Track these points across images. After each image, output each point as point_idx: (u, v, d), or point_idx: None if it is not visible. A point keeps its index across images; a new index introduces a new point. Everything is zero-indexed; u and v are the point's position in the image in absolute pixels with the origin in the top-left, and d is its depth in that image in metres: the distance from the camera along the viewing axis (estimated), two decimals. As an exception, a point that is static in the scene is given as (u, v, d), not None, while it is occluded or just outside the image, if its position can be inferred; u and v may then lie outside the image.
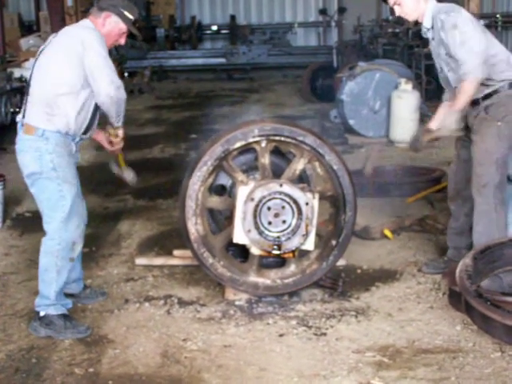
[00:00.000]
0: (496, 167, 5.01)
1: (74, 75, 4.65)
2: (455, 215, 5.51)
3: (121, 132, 5.06)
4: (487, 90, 5.04)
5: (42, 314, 4.75)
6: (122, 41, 4.96)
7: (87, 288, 5.31)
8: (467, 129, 5.26)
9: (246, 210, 4.92)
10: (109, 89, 4.66)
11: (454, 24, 4.90)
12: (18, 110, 10.43)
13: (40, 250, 4.80)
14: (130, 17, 4.86)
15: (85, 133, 4.85)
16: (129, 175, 5.41)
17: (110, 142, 5.10)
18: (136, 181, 5.45)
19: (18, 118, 4.84)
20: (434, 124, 5.10)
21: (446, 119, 5.03)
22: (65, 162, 4.72)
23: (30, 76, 4.83)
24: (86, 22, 4.88)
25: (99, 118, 4.93)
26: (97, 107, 4.81)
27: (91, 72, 4.64)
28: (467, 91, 4.92)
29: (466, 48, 4.87)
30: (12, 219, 7.34)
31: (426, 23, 5.13)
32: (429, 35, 5.18)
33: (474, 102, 5.09)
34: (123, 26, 4.86)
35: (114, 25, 4.84)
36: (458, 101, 4.97)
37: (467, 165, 5.20)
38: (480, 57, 4.88)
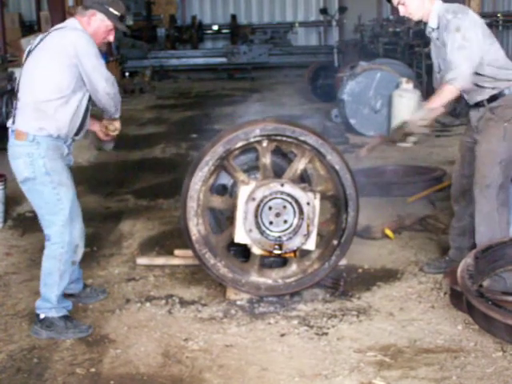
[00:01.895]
0: (500, 168, 4.99)
1: (63, 79, 4.61)
2: (458, 216, 5.50)
3: (118, 124, 5.04)
4: (493, 92, 5.01)
5: (42, 316, 4.74)
6: (111, 38, 4.93)
7: (87, 287, 5.31)
8: (469, 130, 5.26)
9: (248, 210, 4.91)
10: (106, 87, 4.68)
11: (458, 27, 4.88)
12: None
13: (43, 253, 4.79)
14: (116, 13, 4.80)
15: (76, 134, 4.82)
16: (108, 145, 5.33)
17: (107, 135, 5.09)
18: (111, 148, 5.40)
19: (9, 123, 4.78)
20: (411, 118, 5.12)
21: (417, 116, 5.04)
22: (58, 166, 4.70)
23: (19, 80, 4.80)
24: (73, 22, 4.82)
25: (93, 109, 4.92)
26: (88, 108, 4.79)
27: (87, 75, 4.63)
28: (446, 96, 4.93)
29: (464, 54, 4.86)
30: (13, 219, 7.34)
31: (432, 23, 5.10)
32: (433, 35, 5.16)
33: (478, 104, 5.07)
34: (109, 23, 4.81)
35: (99, 22, 4.79)
36: (433, 101, 4.97)
37: (472, 167, 5.17)
38: (473, 67, 4.88)
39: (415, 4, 5.08)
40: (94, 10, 4.77)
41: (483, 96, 5.03)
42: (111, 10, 4.79)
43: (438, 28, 5.08)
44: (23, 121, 4.66)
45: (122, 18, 4.86)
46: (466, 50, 4.86)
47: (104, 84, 4.66)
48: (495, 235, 5.03)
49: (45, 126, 4.61)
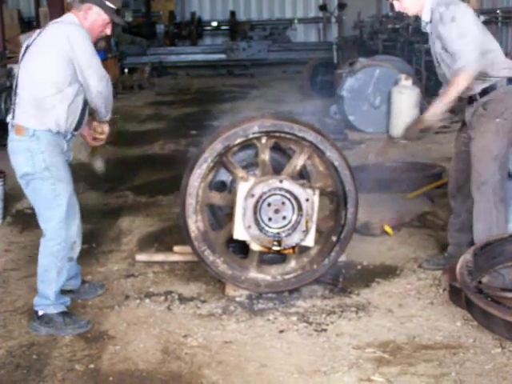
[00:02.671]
0: (495, 164, 4.99)
1: (60, 74, 4.60)
2: (456, 212, 5.50)
3: (106, 128, 5.02)
4: (484, 86, 5.01)
5: (40, 313, 4.75)
6: (108, 31, 4.92)
7: (85, 283, 5.31)
8: (465, 125, 5.26)
9: (246, 206, 4.91)
10: (100, 85, 4.66)
11: (453, 17, 4.86)
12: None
13: (39, 250, 4.79)
14: (112, 6, 4.78)
15: (76, 129, 4.81)
16: (96, 164, 5.33)
17: (95, 138, 5.06)
18: (103, 170, 5.38)
19: (8, 118, 4.78)
20: (427, 114, 5.10)
21: (433, 110, 5.01)
22: (57, 161, 4.69)
23: (17, 75, 4.79)
24: (69, 17, 4.80)
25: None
26: (86, 102, 4.77)
27: (81, 71, 4.61)
28: (459, 85, 4.87)
29: (464, 41, 4.83)
30: (12, 215, 7.34)
31: (425, 17, 5.10)
32: (427, 29, 5.16)
33: (471, 99, 5.08)
34: (106, 17, 4.79)
35: (96, 16, 4.77)
36: (447, 94, 4.94)
37: (467, 162, 5.17)
38: (478, 50, 4.84)
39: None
40: (90, 3, 4.75)
41: (475, 90, 5.02)
42: (107, 3, 4.76)
43: (430, 22, 5.07)
44: (23, 116, 4.66)
45: (118, 12, 4.85)
46: (466, 37, 4.83)
47: (96, 82, 4.64)
48: (493, 232, 5.02)
49: (44, 120, 4.61)
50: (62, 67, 4.59)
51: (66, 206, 4.69)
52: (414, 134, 5.20)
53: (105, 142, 5.15)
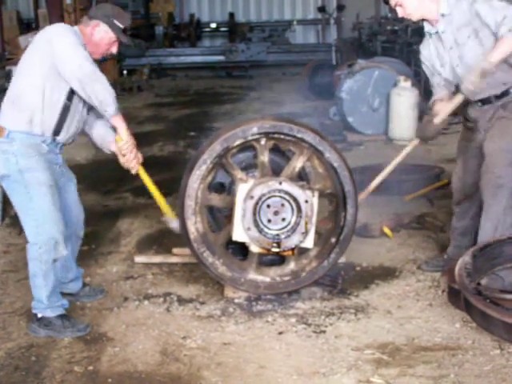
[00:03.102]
0: None
1: (36, 71, 4.53)
2: (459, 216, 5.43)
3: (124, 133, 4.78)
4: (503, 88, 4.89)
5: (39, 315, 4.74)
6: (114, 50, 4.86)
7: (86, 286, 5.30)
8: (477, 132, 5.09)
9: (246, 208, 4.91)
10: (77, 72, 4.47)
11: None
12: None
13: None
14: (120, 25, 4.74)
15: (55, 134, 4.67)
16: (171, 223, 5.26)
17: (123, 155, 4.88)
18: (177, 228, 5.19)
19: None
20: (443, 109, 4.99)
21: (469, 76, 4.73)
22: (33, 164, 4.59)
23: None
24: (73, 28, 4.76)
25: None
26: (67, 106, 4.65)
27: (60, 62, 4.49)
28: (507, 47, 4.60)
29: (509, 9, 4.61)
30: (11, 217, 7.33)
31: (444, 9, 4.87)
32: (440, 27, 4.94)
33: (484, 101, 4.95)
34: (113, 35, 4.75)
35: (103, 34, 4.73)
36: (494, 52, 4.64)
37: (477, 171, 5.05)
38: None
39: (414, 4, 4.92)
40: (98, 20, 4.72)
41: (490, 91, 4.89)
42: (115, 22, 4.72)
43: (449, 14, 4.87)
44: (3, 116, 4.65)
45: (125, 31, 4.79)
46: (509, 7, 4.64)
47: (72, 67, 4.47)
48: (498, 234, 4.98)
49: (18, 121, 4.57)
50: (41, 64, 4.54)
51: (39, 210, 4.59)
52: (434, 131, 5.10)
53: (135, 158, 4.92)
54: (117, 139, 4.82)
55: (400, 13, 5.03)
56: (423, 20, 5.05)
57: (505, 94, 4.93)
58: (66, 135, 4.76)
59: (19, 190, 4.62)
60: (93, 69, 4.53)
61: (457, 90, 4.97)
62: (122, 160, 4.93)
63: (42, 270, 4.67)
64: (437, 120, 5.07)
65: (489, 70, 4.67)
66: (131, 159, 4.90)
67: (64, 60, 4.50)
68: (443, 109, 5.04)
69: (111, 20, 4.73)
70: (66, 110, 4.67)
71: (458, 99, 4.90)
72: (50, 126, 4.65)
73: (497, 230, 4.96)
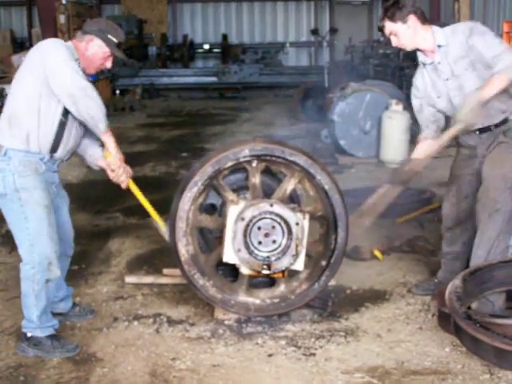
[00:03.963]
0: (510, 193, 4.87)
1: (30, 88, 4.53)
2: (450, 241, 5.44)
3: (112, 148, 4.80)
4: (502, 117, 4.91)
5: (28, 334, 4.72)
6: (108, 64, 4.86)
7: (76, 306, 5.28)
8: (473, 159, 5.09)
9: (236, 230, 4.91)
10: (70, 87, 4.46)
11: (485, 30, 4.74)
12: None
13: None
14: (114, 40, 4.75)
15: (53, 151, 4.67)
16: (160, 229, 5.35)
17: (112, 170, 4.89)
18: (166, 234, 5.28)
19: None
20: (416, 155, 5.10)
21: (466, 109, 4.70)
22: (30, 183, 4.58)
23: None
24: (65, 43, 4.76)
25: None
26: (63, 122, 4.64)
27: (51, 76, 4.48)
28: (500, 83, 4.60)
29: (504, 45, 4.69)
30: (1, 236, 7.31)
31: (440, 40, 4.87)
32: (436, 58, 4.93)
33: (483, 130, 4.94)
34: (107, 50, 4.75)
35: (97, 48, 4.74)
36: (485, 90, 4.62)
37: (469, 198, 5.10)
38: None
39: (408, 35, 4.89)
40: (92, 35, 4.73)
41: (490, 120, 4.90)
42: (109, 36, 4.74)
43: (445, 46, 4.87)
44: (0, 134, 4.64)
45: (120, 45, 4.80)
46: (504, 44, 4.71)
47: (64, 82, 4.45)
48: (492, 259, 4.97)
49: (15, 138, 4.56)
50: (32, 79, 4.54)
51: (34, 230, 4.58)
52: (405, 176, 5.23)
53: (124, 174, 4.92)
54: (106, 155, 4.83)
55: (394, 42, 4.98)
56: (417, 50, 5.01)
57: (504, 122, 4.94)
58: (64, 151, 4.76)
59: (15, 208, 4.60)
60: (85, 84, 4.53)
61: (449, 123, 4.99)
62: (111, 175, 4.94)
63: (34, 289, 4.66)
64: (424, 157, 5.21)
65: (482, 105, 4.67)
66: (120, 174, 4.92)
67: (56, 74, 4.49)
68: (433, 144, 5.09)
69: (105, 35, 4.74)
70: (62, 127, 4.66)
71: (455, 129, 4.86)
72: (46, 144, 4.64)
73: (489, 254, 4.96)
